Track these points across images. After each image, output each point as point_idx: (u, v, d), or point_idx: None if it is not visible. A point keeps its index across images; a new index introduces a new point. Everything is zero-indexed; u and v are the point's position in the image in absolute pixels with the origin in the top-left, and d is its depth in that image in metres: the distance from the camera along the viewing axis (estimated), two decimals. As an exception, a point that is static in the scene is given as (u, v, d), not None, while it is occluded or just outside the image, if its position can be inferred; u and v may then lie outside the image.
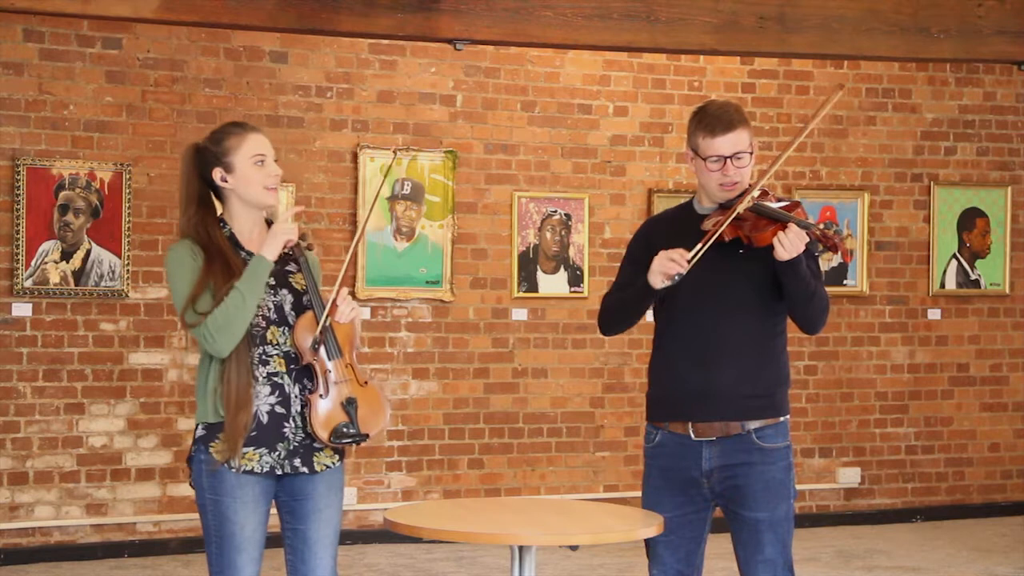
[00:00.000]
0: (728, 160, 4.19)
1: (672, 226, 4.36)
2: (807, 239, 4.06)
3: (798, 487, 9.29)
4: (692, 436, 4.22)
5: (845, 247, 4.05)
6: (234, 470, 4.00)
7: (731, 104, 4.32)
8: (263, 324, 4.06)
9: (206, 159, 4.13)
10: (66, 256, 7.53)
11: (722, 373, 4.18)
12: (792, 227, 4.05)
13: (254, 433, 4.02)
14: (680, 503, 4.26)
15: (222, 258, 4.05)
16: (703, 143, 4.22)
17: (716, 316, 4.21)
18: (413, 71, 8.23)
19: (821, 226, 4.07)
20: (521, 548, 3.98)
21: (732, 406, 4.18)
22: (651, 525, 4.04)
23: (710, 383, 4.19)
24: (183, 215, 4.14)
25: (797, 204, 4.21)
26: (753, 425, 4.18)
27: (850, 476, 9.01)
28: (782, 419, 4.24)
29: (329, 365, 4.08)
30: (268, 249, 4.06)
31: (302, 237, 4.17)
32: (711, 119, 4.23)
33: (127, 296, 7.66)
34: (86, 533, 7.64)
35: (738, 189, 4.22)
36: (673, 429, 4.26)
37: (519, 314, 8.42)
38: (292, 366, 4.08)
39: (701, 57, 8.59)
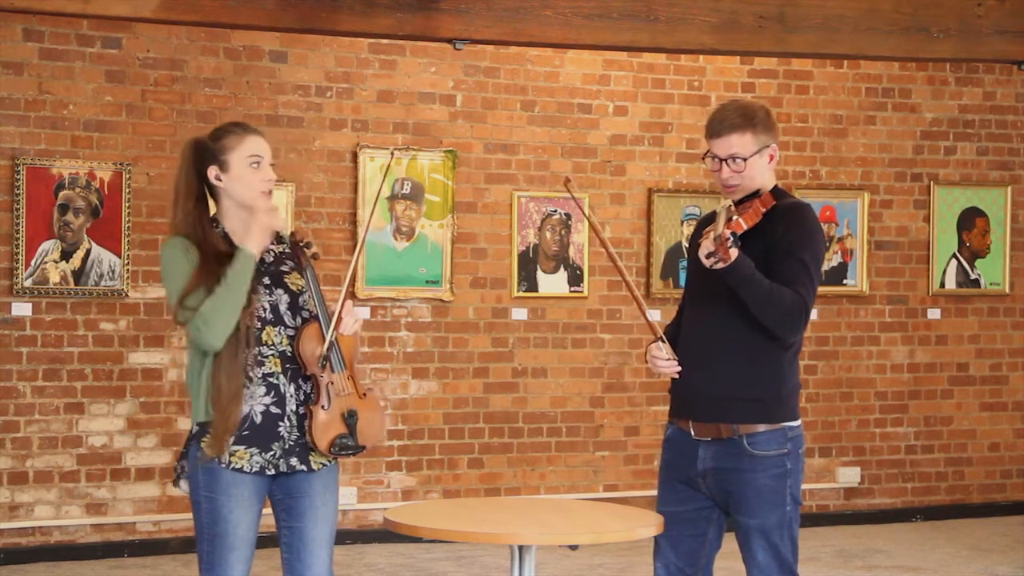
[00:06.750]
0: (724, 162, 4.21)
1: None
2: (710, 248, 3.97)
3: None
4: (692, 434, 4.25)
5: (728, 254, 4.01)
6: (223, 465, 4.00)
7: (738, 106, 4.29)
8: (259, 325, 4.05)
9: (203, 156, 4.11)
10: (66, 256, 7.53)
11: (715, 375, 4.19)
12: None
13: (247, 432, 4.02)
14: (682, 499, 4.29)
15: (216, 257, 4.04)
16: (707, 142, 4.28)
17: (715, 319, 4.21)
18: (413, 71, 8.23)
19: (713, 235, 3.98)
20: (521, 548, 3.98)
21: (723, 409, 4.18)
22: (651, 525, 4.06)
23: (704, 384, 4.21)
24: (179, 210, 4.09)
25: (730, 218, 4.11)
26: (744, 430, 4.17)
27: (850, 476, 9.00)
28: (779, 426, 4.19)
29: (332, 377, 4.08)
30: (252, 241, 4.03)
31: (307, 245, 4.18)
32: (709, 120, 4.27)
33: (127, 296, 7.66)
34: (86, 533, 7.64)
35: (738, 192, 4.23)
36: (680, 425, 4.31)
37: (519, 314, 8.42)
38: (288, 365, 4.08)
39: (701, 57, 8.59)
